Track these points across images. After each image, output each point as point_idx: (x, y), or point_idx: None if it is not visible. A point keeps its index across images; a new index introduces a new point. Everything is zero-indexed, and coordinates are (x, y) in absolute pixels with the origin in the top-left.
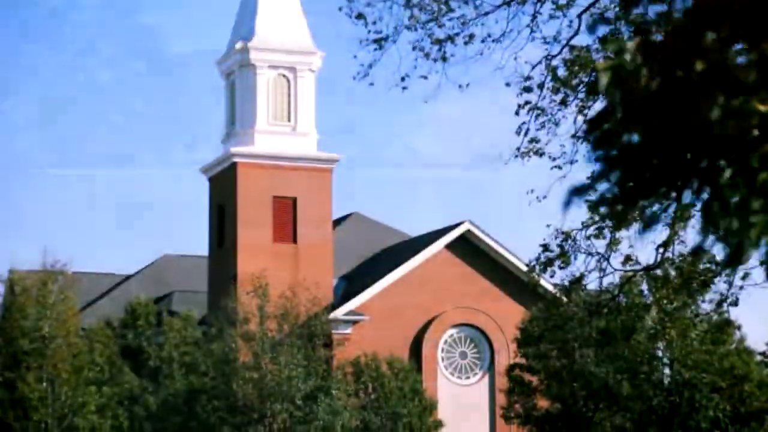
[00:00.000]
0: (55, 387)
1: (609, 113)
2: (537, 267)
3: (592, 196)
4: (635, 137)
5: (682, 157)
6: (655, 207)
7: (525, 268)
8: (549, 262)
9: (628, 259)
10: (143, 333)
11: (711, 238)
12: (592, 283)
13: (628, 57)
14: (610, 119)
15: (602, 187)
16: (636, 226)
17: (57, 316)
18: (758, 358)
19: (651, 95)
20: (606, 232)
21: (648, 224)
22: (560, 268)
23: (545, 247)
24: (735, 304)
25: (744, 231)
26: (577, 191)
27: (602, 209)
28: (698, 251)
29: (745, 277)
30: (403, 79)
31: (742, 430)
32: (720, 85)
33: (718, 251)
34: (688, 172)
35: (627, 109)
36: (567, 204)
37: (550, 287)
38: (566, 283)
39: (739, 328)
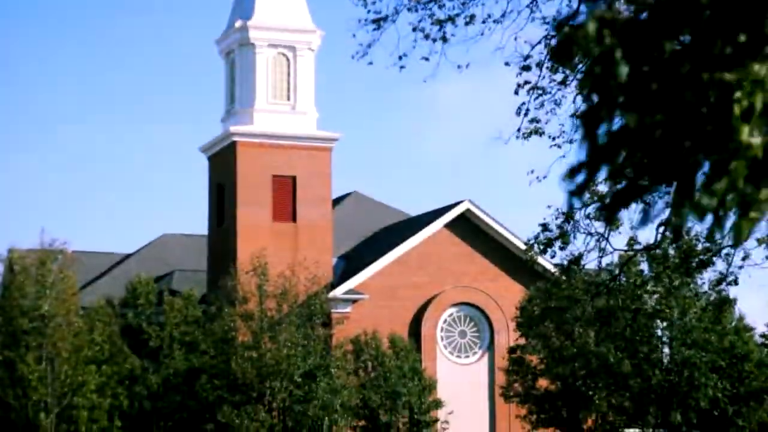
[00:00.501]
0: (54, 366)
1: (592, 104)
2: (536, 246)
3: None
4: (619, 125)
5: (669, 146)
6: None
7: (524, 248)
8: (549, 242)
9: (631, 241)
10: (144, 312)
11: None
12: (591, 263)
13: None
14: (595, 110)
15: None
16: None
17: (56, 296)
18: (758, 339)
19: (632, 80)
20: (605, 211)
21: (644, 220)
22: (560, 248)
23: (545, 227)
24: (735, 283)
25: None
26: (575, 192)
27: (593, 210)
28: (675, 229)
29: (745, 257)
30: (400, 58)
31: (742, 409)
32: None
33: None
34: (674, 160)
35: (604, 94)
36: (570, 203)
37: (549, 266)
38: (566, 263)
39: (735, 302)
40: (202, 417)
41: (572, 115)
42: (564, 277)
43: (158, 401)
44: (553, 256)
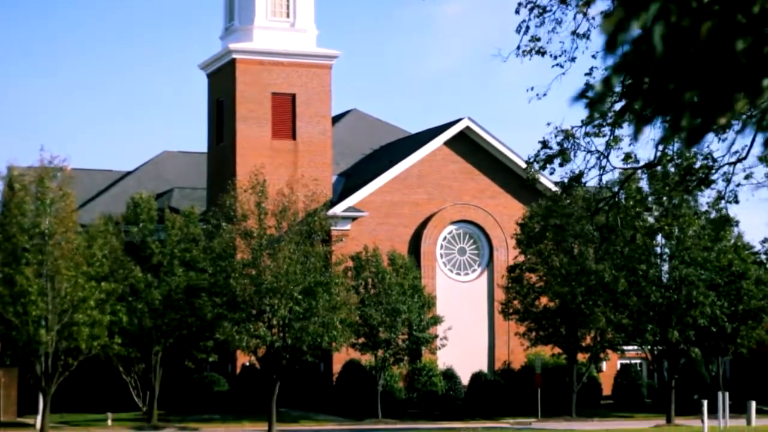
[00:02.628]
0: (54, 283)
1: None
2: (536, 164)
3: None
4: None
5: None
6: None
7: (524, 165)
8: (548, 159)
9: (628, 158)
10: (146, 228)
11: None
12: (591, 181)
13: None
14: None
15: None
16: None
17: (56, 213)
18: (760, 257)
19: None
20: (605, 129)
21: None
22: (560, 165)
23: (544, 144)
24: (735, 201)
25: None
26: (591, 103)
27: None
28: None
29: (748, 176)
30: None
31: (740, 327)
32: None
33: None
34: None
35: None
36: (590, 107)
37: (549, 184)
38: (566, 180)
39: (736, 223)
40: (202, 334)
41: (573, 33)
42: (564, 195)
43: (158, 318)
44: (552, 173)
